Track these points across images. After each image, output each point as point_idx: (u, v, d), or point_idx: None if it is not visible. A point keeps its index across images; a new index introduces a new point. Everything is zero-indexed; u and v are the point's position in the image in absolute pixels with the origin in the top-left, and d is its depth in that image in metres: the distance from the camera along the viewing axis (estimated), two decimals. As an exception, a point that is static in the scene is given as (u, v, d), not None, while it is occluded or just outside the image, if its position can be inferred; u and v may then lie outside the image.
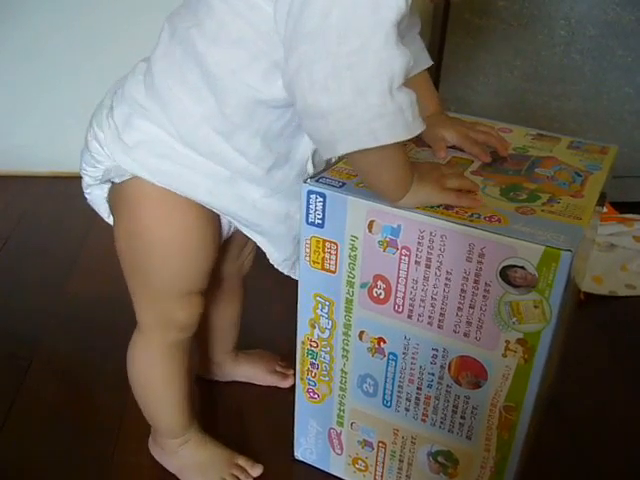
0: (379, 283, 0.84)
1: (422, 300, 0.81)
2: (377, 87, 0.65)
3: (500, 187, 0.84)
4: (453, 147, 0.94)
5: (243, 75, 0.74)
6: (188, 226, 0.84)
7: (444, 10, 1.64)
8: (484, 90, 1.73)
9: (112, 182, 0.85)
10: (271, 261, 0.92)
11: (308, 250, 0.86)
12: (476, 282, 0.77)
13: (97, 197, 0.89)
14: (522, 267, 0.73)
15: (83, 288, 1.46)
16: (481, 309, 0.78)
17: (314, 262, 0.87)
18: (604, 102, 1.81)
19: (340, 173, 0.85)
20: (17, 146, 1.95)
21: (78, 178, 0.88)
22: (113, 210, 0.88)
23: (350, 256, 0.84)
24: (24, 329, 1.34)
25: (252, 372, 1.20)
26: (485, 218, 0.76)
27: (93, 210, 0.92)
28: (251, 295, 1.17)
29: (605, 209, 1.78)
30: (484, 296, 0.77)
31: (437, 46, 1.68)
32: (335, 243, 0.84)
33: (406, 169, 0.76)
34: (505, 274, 0.75)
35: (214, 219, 0.87)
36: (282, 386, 1.18)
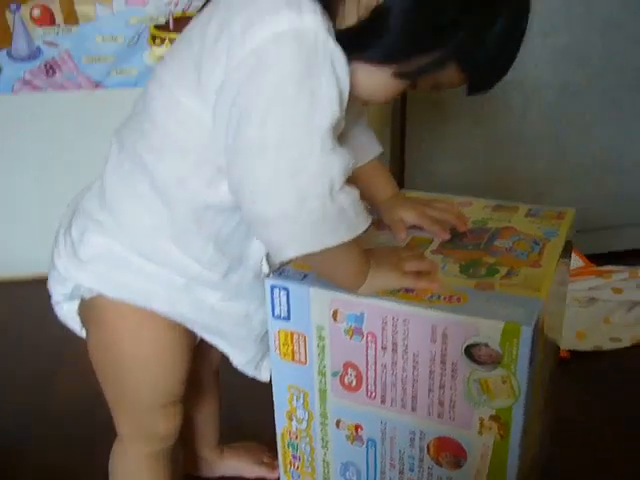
0: (350, 370, 0.84)
1: (393, 384, 0.82)
2: (318, 192, 0.68)
3: (460, 264, 0.85)
4: (413, 227, 0.96)
5: (189, 183, 0.76)
6: (159, 337, 0.85)
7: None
8: (449, 159, 1.77)
9: (81, 298, 0.86)
10: (234, 364, 0.92)
11: (277, 343, 0.87)
12: (443, 362, 0.77)
13: (68, 312, 0.89)
14: (486, 344, 0.74)
15: (71, 386, 1.46)
16: (451, 389, 0.78)
17: (284, 354, 0.87)
18: (568, 159, 1.86)
19: (302, 265, 0.86)
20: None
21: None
22: (85, 325, 0.89)
23: (319, 346, 0.84)
24: (12, 428, 1.33)
25: (239, 466, 1.18)
26: (445, 298, 0.78)
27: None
28: (234, 386, 1.17)
29: (581, 262, 1.81)
30: (452, 376, 0.77)
31: (399, 121, 1.72)
32: (303, 334, 0.85)
33: (360, 261, 0.78)
34: (470, 352, 0.75)
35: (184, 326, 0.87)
36: (270, 478, 1.17)
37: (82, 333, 0.91)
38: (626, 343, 1.57)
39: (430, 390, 0.80)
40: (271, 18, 0.66)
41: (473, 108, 1.75)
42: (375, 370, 0.82)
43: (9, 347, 1.67)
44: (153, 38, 1.71)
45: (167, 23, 1.70)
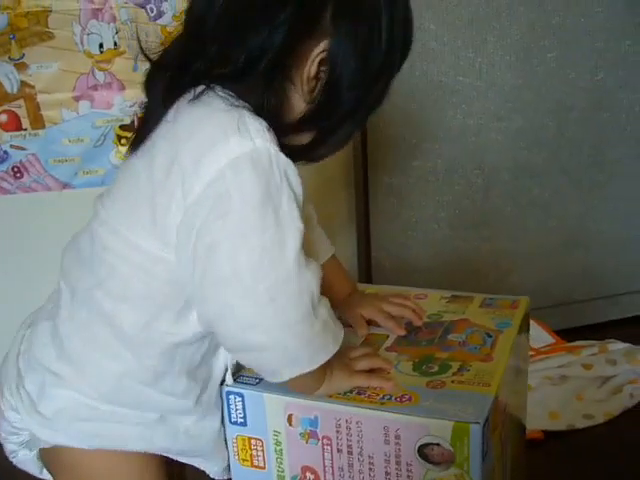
0: (308, 475, 0.84)
1: None
2: (302, 312, 0.69)
3: (413, 361, 0.86)
4: (370, 322, 0.97)
5: (157, 325, 0.74)
6: (135, 471, 0.81)
7: (364, 175, 1.74)
8: (415, 244, 1.80)
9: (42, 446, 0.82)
10: (211, 475, 0.89)
11: (236, 449, 0.87)
12: (398, 463, 0.77)
13: (25, 458, 0.84)
14: (437, 444, 0.74)
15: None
16: (408, 491, 0.78)
17: (243, 460, 0.87)
18: (531, 237, 1.89)
19: None
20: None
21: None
22: (50, 469, 0.84)
23: (276, 451, 0.84)
24: None
25: None
26: (396, 399, 0.78)
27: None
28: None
29: (551, 338, 1.81)
30: (408, 476, 0.77)
31: (363, 209, 1.76)
32: (260, 440, 0.85)
33: (322, 369, 0.77)
34: (423, 453, 0.76)
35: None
36: None
37: (43, 476, 0.86)
38: (599, 420, 1.57)
39: (387, 492, 0.79)
40: (222, 146, 0.66)
41: (436, 193, 1.79)
42: (332, 473, 0.82)
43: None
44: (119, 138, 1.75)
45: (132, 123, 1.74)
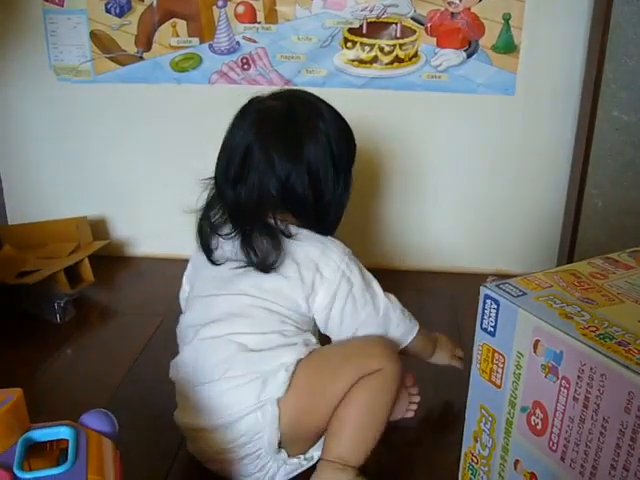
0: (537, 411, 0.82)
1: (576, 444, 0.77)
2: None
3: None
4: None
5: None
6: None
7: (592, 108, 1.65)
8: (633, 186, 1.70)
9: None
10: None
11: (479, 357, 0.87)
12: (633, 440, 0.70)
13: None
14: None
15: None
16: (636, 475, 0.70)
17: (483, 371, 0.87)
18: None
19: (529, 282, 0.84)
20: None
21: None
22: None
23: (515, 374, 0.83)
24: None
25: None
26: None
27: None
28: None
29: None
30: (640, 459, 0.69)
31: (584, 143, 1.68)
32: (503, 356, 0.84)
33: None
34: None
35: None
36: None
37: None
38: None
39: (612, 467, 0.73)
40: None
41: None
42: (562, 420, 0.79)
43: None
44: (345, 41, 1.75)
45: (360, 27, 1.74)
